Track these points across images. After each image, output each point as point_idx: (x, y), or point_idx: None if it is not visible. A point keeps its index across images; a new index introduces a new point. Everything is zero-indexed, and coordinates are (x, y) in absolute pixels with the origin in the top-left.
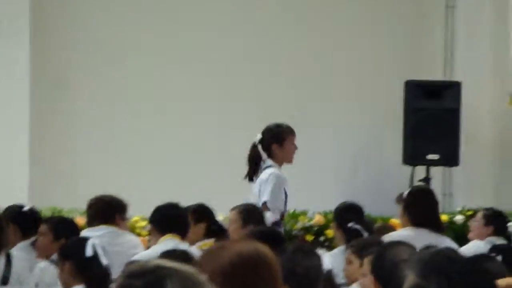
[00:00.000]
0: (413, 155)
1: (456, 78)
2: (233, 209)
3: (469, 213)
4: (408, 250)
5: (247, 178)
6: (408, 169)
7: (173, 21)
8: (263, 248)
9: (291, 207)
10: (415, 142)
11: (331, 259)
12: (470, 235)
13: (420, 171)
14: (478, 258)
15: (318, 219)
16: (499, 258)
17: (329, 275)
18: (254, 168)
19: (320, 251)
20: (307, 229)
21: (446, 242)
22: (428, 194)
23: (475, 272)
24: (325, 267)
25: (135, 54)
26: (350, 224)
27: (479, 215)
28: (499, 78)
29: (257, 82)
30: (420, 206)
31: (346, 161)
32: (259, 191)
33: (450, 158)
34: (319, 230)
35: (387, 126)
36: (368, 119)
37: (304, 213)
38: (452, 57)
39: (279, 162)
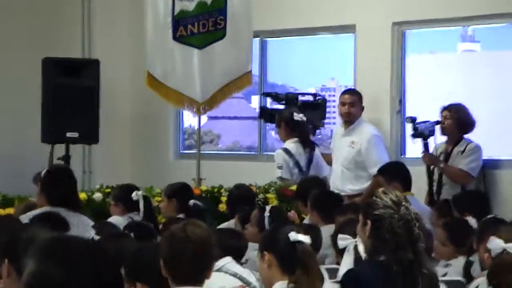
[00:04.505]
0: (52, 133)
1: (94, 56)
2: None
3: (108, 190)
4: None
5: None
6: (47, 147)
7: None
8: None
9: None
10: (54, 120)
11: None
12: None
13: (60, 149)
14: (111, 237)
15: None
16: (132, 235)
17: None
18: None
19: None
20: None
21: (84, 220)
22: (65, 172)
23: (95, 252)
24: None
25: None
26: None
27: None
28: (137, 56)
29: None
30: (57, 185)
31: None
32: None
33: (90, 136)
34: None
35: (25, 104)
36: (6, 96)
37: None
38: (90, 35)
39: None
